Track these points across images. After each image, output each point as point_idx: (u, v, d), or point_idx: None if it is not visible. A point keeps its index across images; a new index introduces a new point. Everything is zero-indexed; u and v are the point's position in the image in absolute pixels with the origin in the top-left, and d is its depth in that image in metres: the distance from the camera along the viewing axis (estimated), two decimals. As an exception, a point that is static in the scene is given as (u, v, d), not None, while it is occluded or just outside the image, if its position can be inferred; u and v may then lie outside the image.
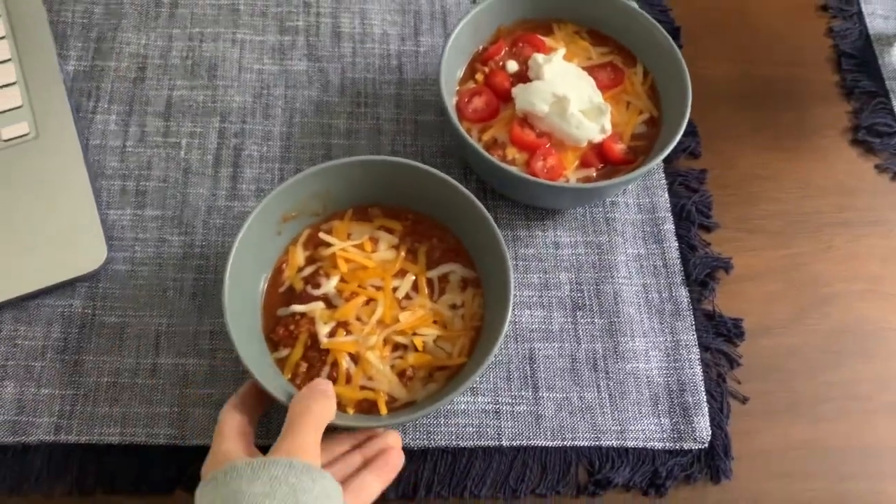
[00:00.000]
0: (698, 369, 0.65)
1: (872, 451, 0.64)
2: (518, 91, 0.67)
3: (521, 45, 0.71)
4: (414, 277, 0.62)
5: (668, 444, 0.62)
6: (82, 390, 0.60)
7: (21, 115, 0.68)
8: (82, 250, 0.64)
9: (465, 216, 0.62)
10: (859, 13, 0.85)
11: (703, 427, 0.62)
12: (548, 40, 0.72)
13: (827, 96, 0.80)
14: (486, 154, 0.63)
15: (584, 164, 0.66)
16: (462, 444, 0.61)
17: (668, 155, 0.65)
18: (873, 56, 0.82)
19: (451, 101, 0.67)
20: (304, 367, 0.59)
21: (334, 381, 0.58)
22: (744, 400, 0.65)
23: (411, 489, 0.59)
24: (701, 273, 0.69)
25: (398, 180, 0.63)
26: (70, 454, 0.58)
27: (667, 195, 0.72)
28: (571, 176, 0.66)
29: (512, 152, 0.66)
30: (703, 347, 0.66)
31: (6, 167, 0.66)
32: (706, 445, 0.62)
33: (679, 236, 0.70)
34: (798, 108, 0.79)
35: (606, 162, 0.67)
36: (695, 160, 0.75)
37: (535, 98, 0.66)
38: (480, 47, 0.71)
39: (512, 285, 0.58)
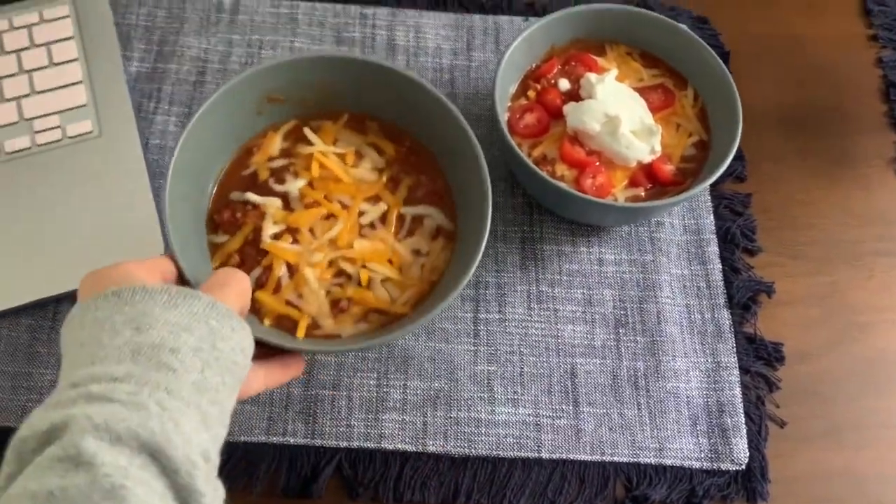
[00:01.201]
0: (738, 391, 0.65)
1: (910, 481, 0.64)
2: (570, 109, 0.68)
3: (573, 64, 0.72)
4: (386, 207, 0.58)
5: (705, 463, 0.62)
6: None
7: (85, 114, 0.70)
8: (140, 248, 0.65)
9: (456, 144, 0.57)
10: (909, 44, 0.85)
11: (741, 449, 0.63)
12: (600, 60, 0.73)
13: (874, 126, 0.80)
14: (536, 169, 0.64)
15: (632, 183, 0.67)
16: (502, 454, 0.62)
17: (715, 178, 0.66)
18: (922, 88, 0.82)
19: (503, 116, 0.68)
20: (236, 259, 0.56)
21: (262, 286, 0.55)
22: (782, 424, 0.65)
23: (451, 496, 0.60)
24: (744, 296, 0.69)
25: (389, 91, 0.58)
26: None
27: (712, 217, 0.73)
28: (620, 195, 0.67)
29: (561, 169, 0.67)
30: (744, 370, 0.66)
31: (69, 163, 0.68)
32: (743, 467, 0.63)
33: (723, 259, 0.71)
34: (845, 136, 0.79)
35: (655, 182, 0.68)
36: (740, 183, 0.76)
37: (586, 116, 0.67)
38: (533, 65, 0.73)
39: (485, 240, 0.53)
